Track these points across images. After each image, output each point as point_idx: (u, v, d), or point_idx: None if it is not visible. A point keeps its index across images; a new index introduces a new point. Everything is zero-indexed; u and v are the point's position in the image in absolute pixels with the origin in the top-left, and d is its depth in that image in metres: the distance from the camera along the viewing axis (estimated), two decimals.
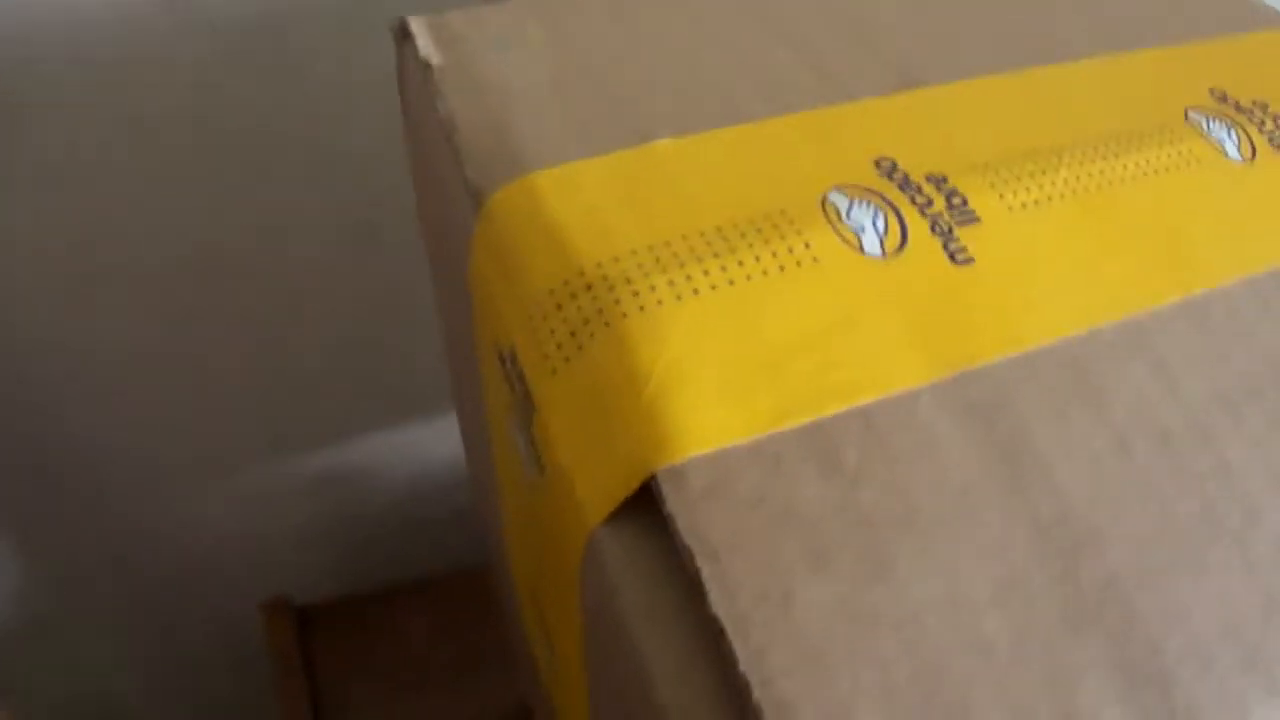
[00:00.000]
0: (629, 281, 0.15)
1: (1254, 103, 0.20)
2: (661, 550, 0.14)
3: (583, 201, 0.17)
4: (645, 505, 0.14)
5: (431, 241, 0.25)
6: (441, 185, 0.21)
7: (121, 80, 0.39)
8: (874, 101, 0.19)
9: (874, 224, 0.16)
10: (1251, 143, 0.19)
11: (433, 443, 0.59)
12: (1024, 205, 0.17)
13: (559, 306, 0.15)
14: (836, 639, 0.13)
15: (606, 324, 0.15)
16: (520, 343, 0.16)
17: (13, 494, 0.51)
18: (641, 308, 0.15)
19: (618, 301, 0.15)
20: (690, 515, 0.13)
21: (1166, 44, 0.22)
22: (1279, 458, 0.15)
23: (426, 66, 0.21)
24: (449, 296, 0.24)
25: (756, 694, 0.12)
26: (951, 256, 0.16)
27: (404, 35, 0.23)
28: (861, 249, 0.16)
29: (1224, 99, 0.20)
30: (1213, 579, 0.14)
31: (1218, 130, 0.20)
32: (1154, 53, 0.22)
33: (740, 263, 0.16)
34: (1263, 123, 0.20)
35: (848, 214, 0.17)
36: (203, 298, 0.47)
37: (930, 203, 0.17)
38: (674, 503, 0.13)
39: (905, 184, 0.17)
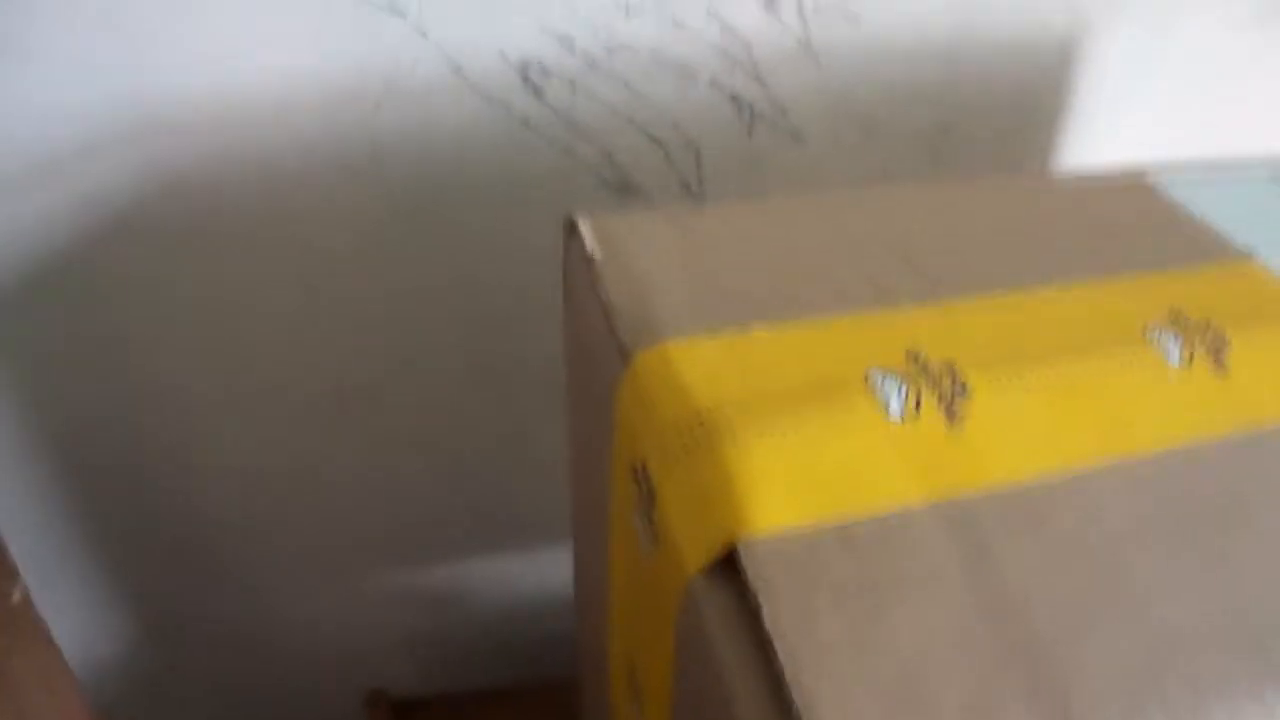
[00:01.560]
0: (729, 421, 0.23)
1: (1198, 321, 0.28)
2: (737, 597, 0.21)
3: (700, 365, 0.25)
4: (726, 574, 0.22)
5: (577, 386, 0.33)
6: (594, 345, 0.29)
7: (305, 229, 0.48)
8: (912, 308, 0.27)
9: (898, 396, 0.24)
10: (1192, 353, 0.27)
11: (526, 572, 0.66)
12: (1007, 390, 0.25)
13: (682, 432, 0.23)
14: (844, 654, 0.20)
15: (712, 446, 0.23)
16: (651, 454, 0.24)
17: (150, 569, 0.59)
18: (735, 438, 0.23)
19: (721, 433, 0.23)
20: (757, 567, 0.21)
21: (1141, 270, 0.30)
22: (1171, 571, 0.22)
23: (589, 258, 0.29)
24: (589, 427, 0.31)
25: (788, 678, 0.19)
26: (949, 421, 0.24)
27: (571, 230, 0.31)
28: (888, 413, 0.24)
29: (1177, 318, 0.28)
30: (1108, 643, 0.21)
31: (1166, 342, 0.27)
32: (1129, 279, 0.30)
33: (803, 415, 0.23)
34: (1204, 338, 0.27)
35: (881, 387, 0.24)
36: (343, 419, 0.56)
37: (940, 382, 0.24)
38: (747, 559, 0.21)
39: (925, 369, 0.25)
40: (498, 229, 0.50)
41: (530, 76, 0.47)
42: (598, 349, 0.28)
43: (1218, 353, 0.27)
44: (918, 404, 0.24)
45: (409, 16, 0.44)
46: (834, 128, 0.52)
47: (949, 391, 0.24)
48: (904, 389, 0.24)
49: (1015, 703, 0.20)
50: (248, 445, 0.56)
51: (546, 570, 0.65)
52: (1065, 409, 0.25)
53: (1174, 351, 0.27)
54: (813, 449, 0.23)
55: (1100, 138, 0.58)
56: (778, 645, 0.20)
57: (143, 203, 0.46)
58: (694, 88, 0.49)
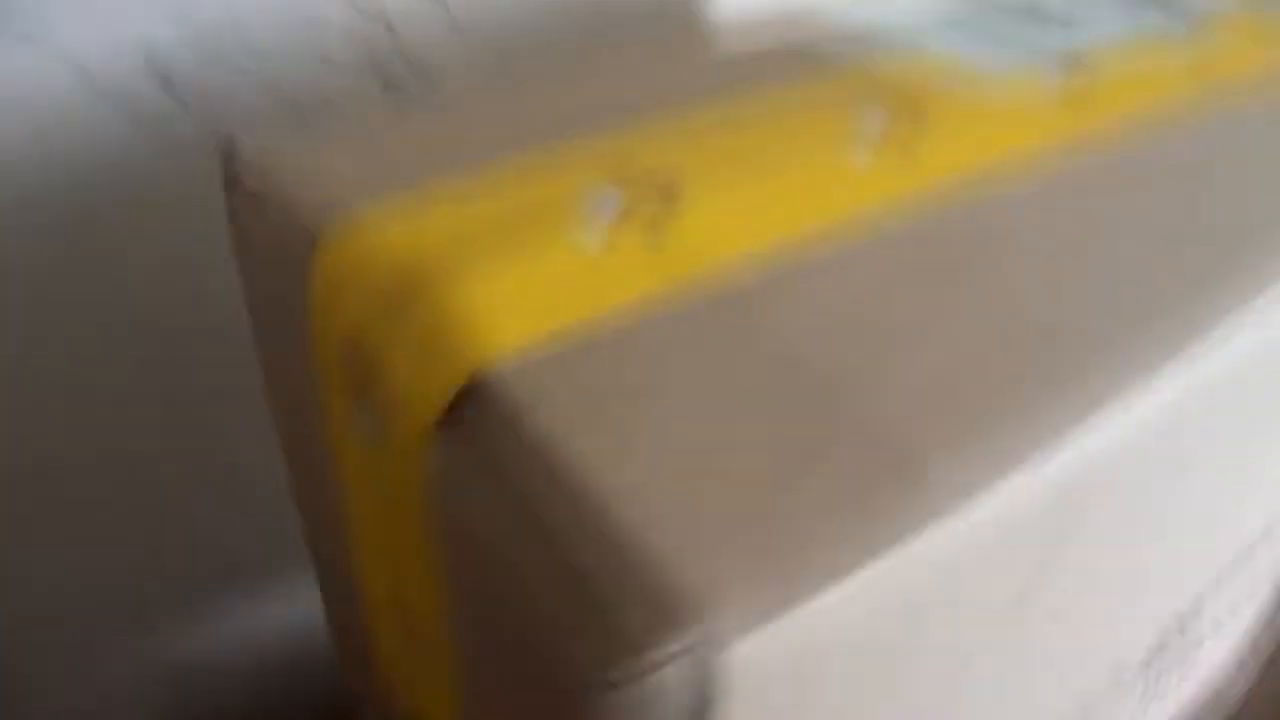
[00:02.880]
0: (441, 265, 0.21)
1: (895, 105, 0.28)
2: (485, 447, 0.19)
3: (395, 224, 0.23)
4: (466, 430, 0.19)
5: (264, 316, 0.30)
6: (274, 258, 0.26)
7: None
8: (609, 135, 0.27)
9: (610, 208, 0.23)
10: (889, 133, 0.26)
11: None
12: (719, 188, 0.25)
13: (393, 290, 0.21)
14: (628, 447, 0.18)
15: (430, 291, 0.21)
16: (366, 326, 0.22)
17: None
18: (452, 279, 0.21)
19: (435, 277, 0.21)
20: (508, 390, 0.19)
21: (842, 65, 0.30)
22: (938, 305, 0.22)
23: (253, 166, 0.26)
24: (285, 361, 0.28)
25: (584, 477, 0.17)
26: (666, 222, 0.23)
27: (230, 152, 0.27)
28: (601, 226, 0.23)
29: (880, 99, 0.27)
30: (903, 370, 0.20)
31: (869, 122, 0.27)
32: (830, 74, 0.30)
33: (515, 243, 0.22)
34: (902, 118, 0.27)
35: (592, 203, 0.23)
36: None
37: (650, 189, 0.24)
38: (495, 385, 0.19)
39: (633, 180, 0.24)
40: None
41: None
42: (279, 259, 0.25)
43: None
44: (631, 213, 0.23)
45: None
46: None
47: (664, 195, 0.23)
48: (615, 201, 0.23)
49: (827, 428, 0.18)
50: None
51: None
52: (776, 197, 0.24)
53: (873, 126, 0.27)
54: (531, 271, 0.21)
55: None
56: (560, 452, 0.18)
57: None
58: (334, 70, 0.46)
